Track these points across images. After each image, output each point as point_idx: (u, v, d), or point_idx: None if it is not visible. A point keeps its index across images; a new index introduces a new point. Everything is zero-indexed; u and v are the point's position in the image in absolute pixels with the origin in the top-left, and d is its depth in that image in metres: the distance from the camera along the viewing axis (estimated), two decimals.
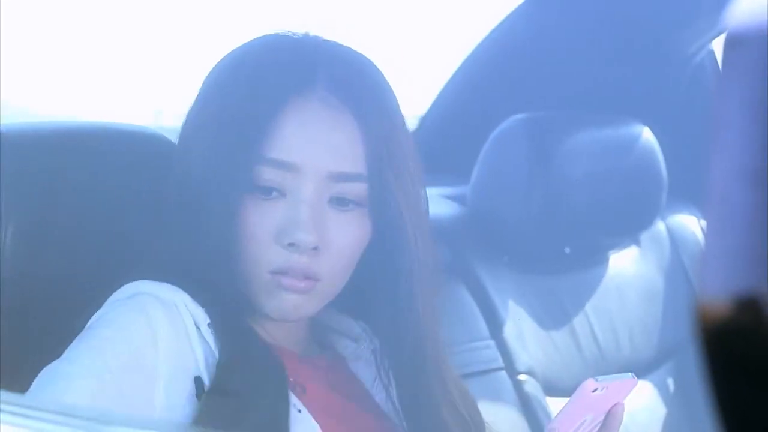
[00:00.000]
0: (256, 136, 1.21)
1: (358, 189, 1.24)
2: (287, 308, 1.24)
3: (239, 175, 1.21)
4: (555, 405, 1.90)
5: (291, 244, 1.22)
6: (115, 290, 1.24)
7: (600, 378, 1.27)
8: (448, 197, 2.07)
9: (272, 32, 1.30)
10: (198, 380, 1.19)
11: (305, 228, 1.21)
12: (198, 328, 1.21)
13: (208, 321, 1.21)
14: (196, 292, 1.22)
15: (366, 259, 1.28)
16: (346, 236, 1.25)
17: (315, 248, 1.22)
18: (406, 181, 1.27)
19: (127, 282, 1.24)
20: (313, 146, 1.22)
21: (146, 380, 1.17)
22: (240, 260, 1.23)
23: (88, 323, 1.22)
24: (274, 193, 1.22)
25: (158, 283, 1.22)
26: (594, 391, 1.25)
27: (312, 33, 1.29)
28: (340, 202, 1.24)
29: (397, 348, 1.31)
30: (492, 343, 1.90)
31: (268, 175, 1.22)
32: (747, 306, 0.47)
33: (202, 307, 1.21)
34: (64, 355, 1.19)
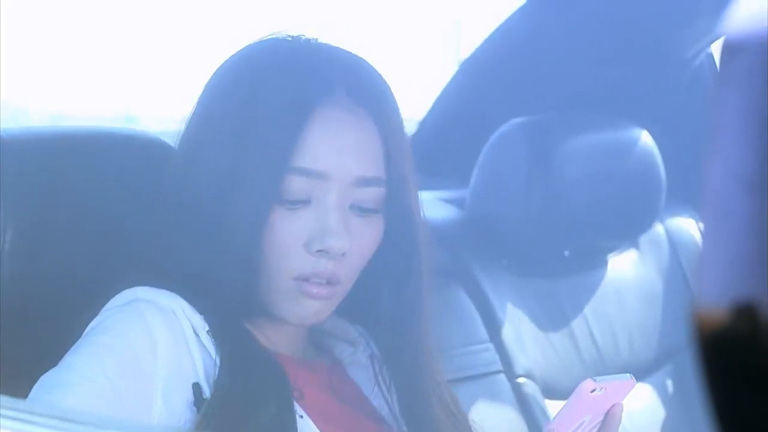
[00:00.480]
0: (283, 146, 1.21)
1: (377, 193, 1.26)
2: (308, 314, 1.25)
3: (267, 186, 1.21)
4: (554, 408, 1.90)
5: (320, 251, 1.22)
6: (113, 296, 1.24)
7: (598, 378, 1.27)
8: (447, 200, 2.07)
9: (269, 36, 1.30)
10: (196, 387, 1.19)
11: (336, 234, 1.22)
12: (197, 334, 1.21)
13: (207, 328, 1.21)
14: (194, 298, 1.22)
15: (373, 261, 1.28)
16: (365, 240, 1.26)
17: (343, 254, 1.23)
18: (415, 185, 1.29)
19: (124, 288, 1.24)
20: (340, 153, 1.23)
21: (144, 387, 1.17)
22: (262, 267, 1.23)
23: (86, 330, 1.22)
24: (301, 201, 1.23)
25: (156, 289, 1.22)
26: (592, 391, 1.25)
27: (305, 36, 1.29)
28: (360, 206, 1.25)
29: (398, 350, 1.31)
30: (491, 346, 1.90)
31: (297, 184, 1.22)
32: (744, 312, 0.47)
33: (201, 314, 1.22)
34: (62, 362, 1.19)
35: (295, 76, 1.24)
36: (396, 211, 1.27)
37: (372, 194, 1.25)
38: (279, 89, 1.23)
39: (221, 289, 1.23)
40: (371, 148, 1.25)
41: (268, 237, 1.22)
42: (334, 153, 1.22)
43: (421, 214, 1.30)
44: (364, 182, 1.24)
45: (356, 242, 1.24)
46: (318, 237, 1.22)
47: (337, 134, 1.23)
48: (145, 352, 1.18)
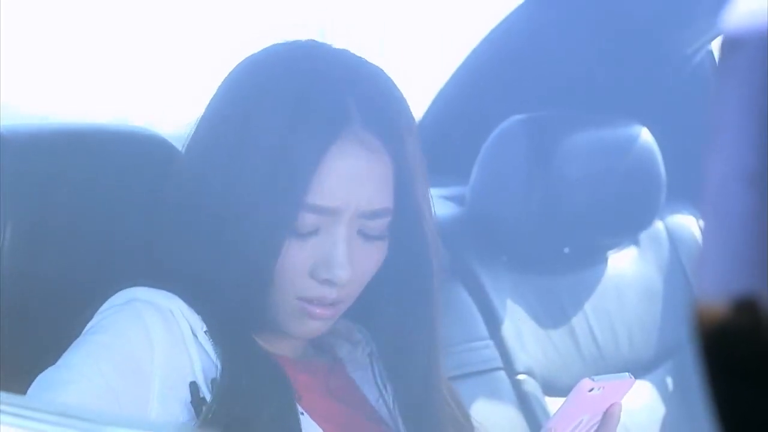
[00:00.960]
0: (298, 183, 1.21)
1: (383, 222, 1.27)
2: (309, 330, 1.27)
3: (281, 221, 1.22)
4: (554, 405, 1.90)
5: (326, 280, 1.23)
6: (110, 296, 1.24)
7: (596, 378, 1.26)
8: (447, 198, 2.07)
9: (279, 43, 1.29)
10: (193, 386, 1.19)
11: (342, 266, 1.23)
12: (194, 334, 1.21)
13: (205, 328, 1.21)
14: (192, 299, 1.22)
15: (384, 272, 1.29)
16: (370, 263, 1.27)
17: (348, 281, 1.24)
18: (425, 202, 1.29)
19: (122, 288, 1.24)
20: (352, 189, 1.23)
21: (141, 386, 1.17)
22: (268, 289, 1.23)
23: (85, 329, 1.22)
24: (310, 232, 1.23)
25: (154, 290, 1.23)
26: (590, 390, 1.25)
27: (317, 42, 1.29)
28: (366, 233, 1.26)
29: (406, 358, 1.32)
30: (491, 343, 1.90)
31: (309, 219, 1.23)
32: (745, 307, 0.47)
33: (199, 314, 1.22)
34: (60, 361, 1.19)
35: (311, 102, 1.23)
36: (404, 234, 1.29)
37: (379, 224, 1.26)
38: (294, 115, 1.22)
39: (224, 297, 1.23)
40: (382, 180, 1.25)
41: (277, 263, 1.23)
42: (347, 189, 1.23)
43: (431, 224, 1.31)
44: (372, 215, 1.25)
45: (360, 268, 1.26)
46: (324, 267, 1.23)
47: (350, 170, 1.23)
48: (143, 352, 1.18)
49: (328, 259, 1.23)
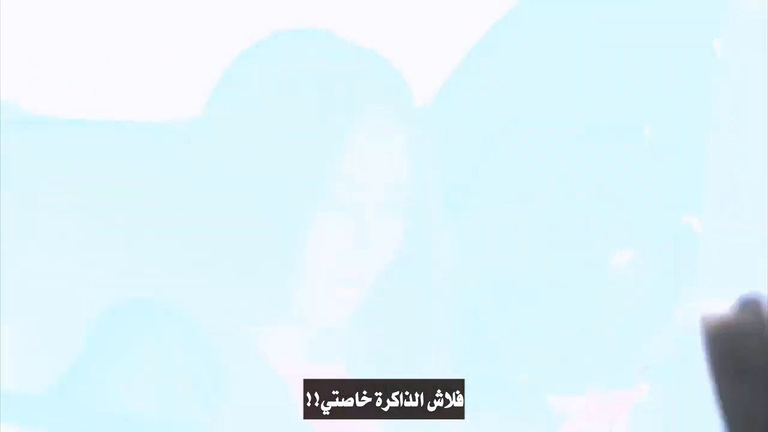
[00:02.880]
0: (329, 154, 1.22)
1: (405, 194, 1.28)
2: (338, 316, 1.25)
3: (312, 192, 1.22)
4: (555, 403, 1.90)
5: (359, 254, 1.23)
6: (108, 300, 1.23)
7: (602, 392, 1.27)
8: None
9: (288, 30, 1.29)
10: (194, 403, 1.19)
11: (376, 240, 1.25)
12: (194, 347, 1.20)
13: (205, 344, 1.21)
14: (192, 308, 1.21)
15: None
16: (395, 240, 1.28)
17: (382, 254, 1.24)
18: (434, 181, 1.31)
19: (116, 298, 1.23)
20: (379, 158, 1.25)
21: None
22: (298, 269, 1.23)
23: (81, 347, 1.21)
24: (341, 204, 1.23)
25: (150, 301, 1.22)
26: (597, 403, 1.26)
27: (322, 29, 1.30)
28: (392, 206, 1.27)
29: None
30: None
31: (339, 189, 1.22)
32: (749, 306, 0.47)
33: (197, 328, 1.21)
34: (59, 383, 1.18)
35: (336, 79, 1.25)
36: (418, 207, 1.29)
37: (402, 195, 1.27)
38: (321, 92, 1.24)
39: (236, 295, 1.22)
40: (403, 150, 1.26)
41: (308, 239, 1.22)
42: (375, 158, 1.24)
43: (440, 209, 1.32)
44: (399, 186, 1.25)
45: (389, 243, 1.25)
46: (359, 241, 1.22)
47: (377, 139, 1.24)
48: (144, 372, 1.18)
49: (363, 233, 1.23)
